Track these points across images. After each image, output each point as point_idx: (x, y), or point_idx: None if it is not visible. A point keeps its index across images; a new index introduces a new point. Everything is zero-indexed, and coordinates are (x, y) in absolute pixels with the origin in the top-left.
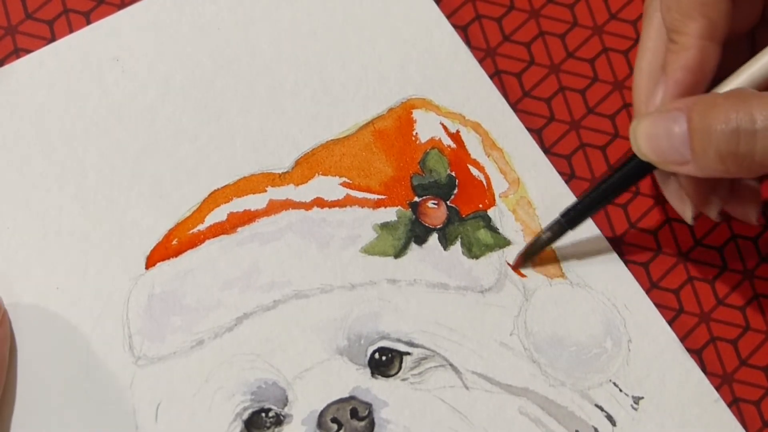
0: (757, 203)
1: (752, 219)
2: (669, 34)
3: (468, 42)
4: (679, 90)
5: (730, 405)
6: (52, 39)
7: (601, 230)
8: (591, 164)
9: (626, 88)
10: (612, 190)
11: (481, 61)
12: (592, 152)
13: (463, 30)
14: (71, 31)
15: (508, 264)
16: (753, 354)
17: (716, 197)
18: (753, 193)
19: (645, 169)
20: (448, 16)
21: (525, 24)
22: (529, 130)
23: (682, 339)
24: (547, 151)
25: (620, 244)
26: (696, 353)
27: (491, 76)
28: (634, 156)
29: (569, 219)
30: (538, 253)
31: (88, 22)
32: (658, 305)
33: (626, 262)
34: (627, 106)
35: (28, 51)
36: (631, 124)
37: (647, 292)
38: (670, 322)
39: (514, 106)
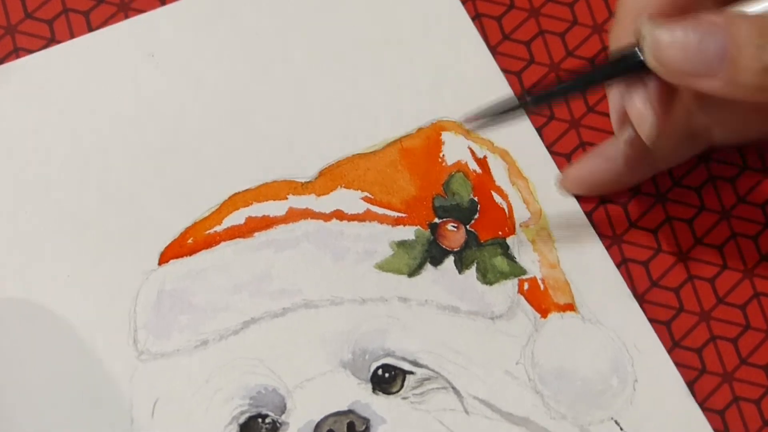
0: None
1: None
2: None
3: None
4: None
5: (730, 404)
6: (52, 39)
7: (601, 230)
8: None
9: None
10: (588, 82)
11: (511, 89)
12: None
13: (493, 57)
14: (71, 30)
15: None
16: (753, 353)
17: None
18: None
19: (628, 70)
20: None
21: (525, 23)
22: None
23: (682, 338)
24: (547, 150)
25: (620, 244)
26: (696, 352)
27: None
28: (623, 58)
29: (535, 97)
30: (487, 118)
31: (88, 22)
32: (658, 304)
33: (626, 261)
34: None
35: (28, 50)
36: (646, 30)
37: (647, 291)
38: (670, 322)
39: None
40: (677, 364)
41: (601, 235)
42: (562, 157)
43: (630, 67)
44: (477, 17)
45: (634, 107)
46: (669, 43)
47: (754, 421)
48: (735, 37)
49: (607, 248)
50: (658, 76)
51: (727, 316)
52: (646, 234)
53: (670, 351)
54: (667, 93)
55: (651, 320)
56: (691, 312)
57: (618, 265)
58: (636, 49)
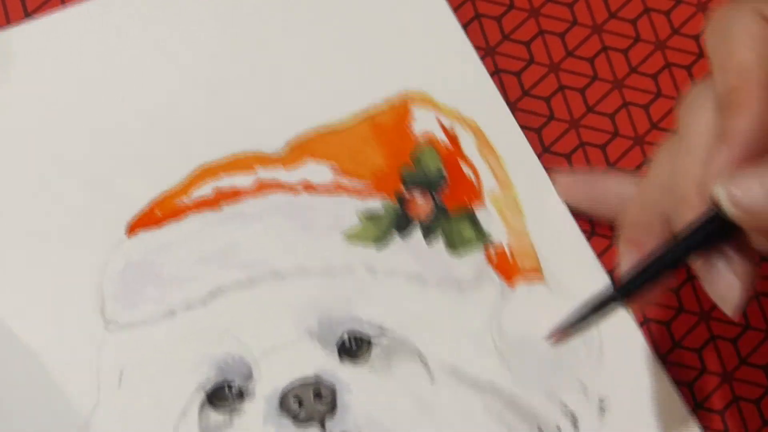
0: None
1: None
2: (726, 98)
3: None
4: (745, 152)
5: (729, 404)
6: None
7: (600, 230)
8: (591, 163)
9: (626, 86)
10: (680, 255)
11: (480, 60)
12: (592, 151)
13: (462, 29)
14: (6, 14)
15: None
16: (753, 353)
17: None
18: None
19: (721, 235)
20: None
21: (524, 23)
22: (529, 129)
23: (682, 338)
24: (546, 150)
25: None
26: (696, 352)
27: (491, 75)
28: (711, 220)
29: (623, 289)
30: (581, 328)
31: (24, 5)
32: (658, 304)
33: None
34: (626, 105)
35: None
36: (717, 188)
37: None
38: (670, 322)
39: (514, 105)
40: (677, 365)
41: (601, 235)
42: (562, 157)
43: (712, 233)
44: (476, 17)
45: (719, 283)
46: (753, 189)
47: (753, 421)
48: None
49: (606, 249)
50: (740, 242)
51: (726, 316)
52: None
53: (670, 351)
54: (751, 259)
55: (651, 321)
56: (690, 312)
57: (616, 266)
58: (714, 212)
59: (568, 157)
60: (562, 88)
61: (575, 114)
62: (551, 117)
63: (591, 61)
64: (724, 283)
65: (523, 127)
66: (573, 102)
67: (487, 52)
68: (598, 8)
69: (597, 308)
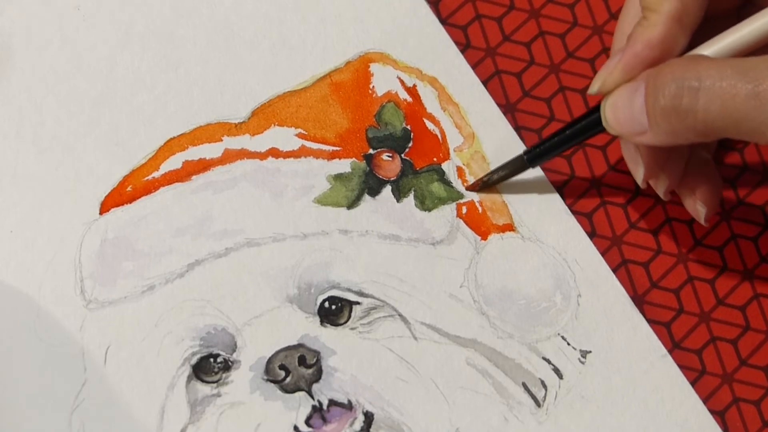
0: (711, 202)
1: (700, 216)
2: (642, 9)
3: (468, 41)
4: (636, 63)
5: (729, 405)
6: None
7: (600, 231)
8: (591, 163)
9: None
10: (576, 135)
11: (481, 61)
12: (592, 152)
13: (462, 29)
14: None
15: (465, 186)
16: (753, 354)
17: (666, 174)
18: (709, 191)
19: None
20: (448, 16)
21: (525, 24)
22: (529, 129)
23: (682, 339)
24: (474, 74)
25: (620, 245)
26: (696, 353)
27: (491, 76)
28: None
29: (531, 157)
30: (494, 184)
31: None
32: (658, 305)
33: (626, 262)
34: None
35: None
36: (604, 100)
37: (647, 292)
38: (670, 323)
39: (514, 105)
40: (678, 366)
41: (601, 236)
42: (563, 158)
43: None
44: (477, 18)
45: (626, 159)
46: (609, 106)
47: (754, 422)
48: (647, 86)
49: (607, 249)
50: None
51: (727, 317)
52: (646, 235)
53: (670, 352)
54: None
55: (651, 321)
56: (691, 313)
57: (618, 266)
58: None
59: (568, 158)
60: (562, 89)
61: (576, 115)
62: (552, 118)
63: (591, 62)
64: (631, 158)
65: (523, 128)
66: (574, 103)
67: (487, 53)
68: (598, 9)
69: (509, 166)
